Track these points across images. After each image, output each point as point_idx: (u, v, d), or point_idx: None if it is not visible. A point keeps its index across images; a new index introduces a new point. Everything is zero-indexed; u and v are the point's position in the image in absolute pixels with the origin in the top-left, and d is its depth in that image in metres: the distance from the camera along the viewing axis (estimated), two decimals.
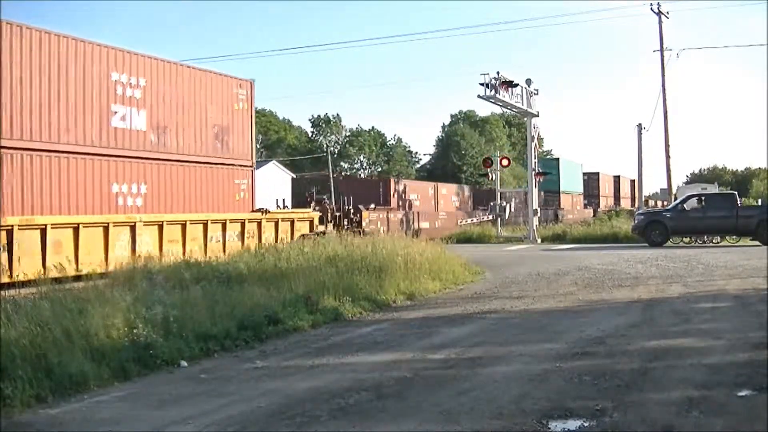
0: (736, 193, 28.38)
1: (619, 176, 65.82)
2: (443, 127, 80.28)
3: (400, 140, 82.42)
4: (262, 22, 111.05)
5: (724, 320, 9.78)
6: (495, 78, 27.42)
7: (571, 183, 55.10)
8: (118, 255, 13.83)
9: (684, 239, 26.10)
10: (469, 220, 38.34)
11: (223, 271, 12.05)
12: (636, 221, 27.82)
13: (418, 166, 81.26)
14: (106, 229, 13.84)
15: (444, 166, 71.35)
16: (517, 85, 29.44)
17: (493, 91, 27.35)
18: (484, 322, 10.25)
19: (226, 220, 16.82)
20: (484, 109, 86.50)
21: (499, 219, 36.06)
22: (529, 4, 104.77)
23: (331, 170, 46.95)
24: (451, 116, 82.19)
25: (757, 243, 24.36)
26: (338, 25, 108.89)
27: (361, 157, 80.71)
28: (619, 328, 9.25)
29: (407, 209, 34.44)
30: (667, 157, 35.66)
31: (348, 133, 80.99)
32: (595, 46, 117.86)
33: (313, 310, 10.49)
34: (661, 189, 39.83)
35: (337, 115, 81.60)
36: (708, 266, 16.98)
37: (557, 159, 55.48)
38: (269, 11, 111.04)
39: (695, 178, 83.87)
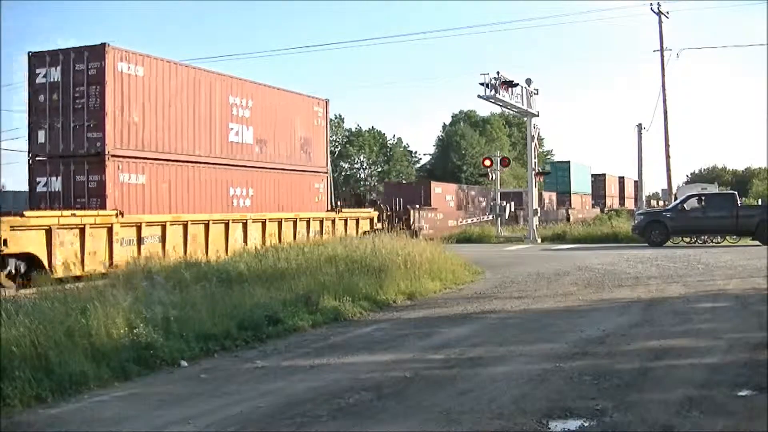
0: (736, 193, 28.37)
1: (623, 177, 66.44)
2: (443, 126, 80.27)
3: (399, 140, 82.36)
4: (263, 22, 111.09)
5: (724, 320, 9.78)
6: (495, 78, 27.42)
7: (581, 184, 56.88)
8: (235, 245, 17.31)
9: (684, 239, 26.10)
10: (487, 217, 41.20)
11: (223, 271, 12.06)
12: (636, 221, 27.83)
13: (418, 166, 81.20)
14: (226, 225, 17.66)
15: (444, 166, 71.32)
16: (517, 85, 29.45)
17: (493, 91, 27.34)
18: (485, 322, 10.25)
19: (309, 218, 21.03)
20: (484, 109, 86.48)
21: (499, 219, 36.08)
22: (529, 4, 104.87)
23: (330, 170, 47.41)
24: (452, 116, 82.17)
25: (757, 243, 24.36)
26: (338, 26, 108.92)
27: (362, 157, 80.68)
28: (620, 328, 9.25)
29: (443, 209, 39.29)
30: (667, 157, 35.65)
31: (347, 133, 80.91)
32: (595, 46, 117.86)
33: (313, 310, 10.49)
34: (662, 189, 39.86)
35: (339, 115, 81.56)
36: (708, 266, 16.99)
37: (568, 162, 57.24)
38: (269, 11, 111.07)
39: (695, 178, 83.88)
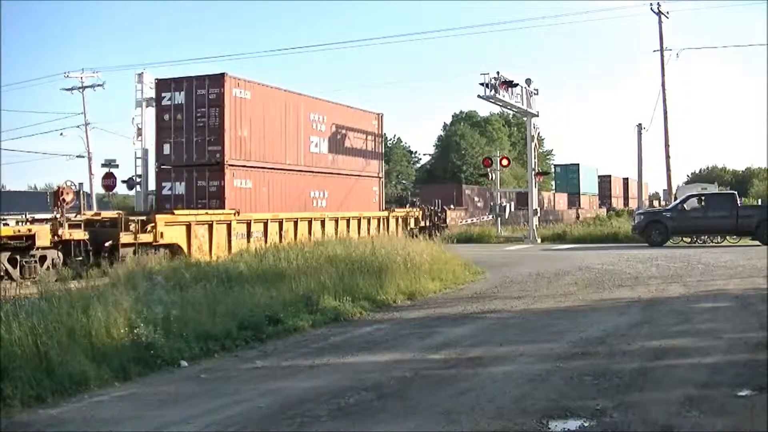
0: (736, 193, 28.37)
1: (627, 178, 67.80)
2: (444, 127, 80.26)
3: (399, 140, 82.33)
4: (263, 22, 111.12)
5: (724, 320, 9.78)
6: (495, 78, 27.42)
7: (589, 185, 58.86)
8: (316, 238, 20.23)
9: (684, 239, 26.10)
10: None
11: (223, 271, 12.05)
12: (636, 221, 27.82)
13: (418, 166, 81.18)
14: (309, 222, 21.80)
15: (444, 166, 71.32)
16: (517, 85, 29.45)
17: (493, 91, 27.34)
18: (485, 322, 10.25)
19: (370, 216, 25.58)
20: (484, 109, 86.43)
21: (499, 219, 36.09)
22: (529, 4, 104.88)
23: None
24: (453, 116, 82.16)
25: (757, 243, 24.35)
26: (338, 26, 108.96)
27: None
28: (620, 328, 9.25)
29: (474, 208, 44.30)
30: (667, 157, 35.61)
31: None
32: (595, 46, 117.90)
33: (314, 310, 10.49)
34: (663, 189, 39.89)
35: None
36: (708, 266, 16.99)
37: (577, 164, 59.88)
38: (269, 11, 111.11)
39: (695, 178, 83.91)
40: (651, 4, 34.94)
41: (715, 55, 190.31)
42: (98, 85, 41.69)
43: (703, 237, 26.00)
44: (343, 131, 25.17)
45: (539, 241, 31.26)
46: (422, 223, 28.29)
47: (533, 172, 32.45)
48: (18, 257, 14.67)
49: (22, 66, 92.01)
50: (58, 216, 15.61)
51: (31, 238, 14.82)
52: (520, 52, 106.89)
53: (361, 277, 12.32)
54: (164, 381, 7.16)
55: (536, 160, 33.56)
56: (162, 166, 20.07)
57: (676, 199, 31.64)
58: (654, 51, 35.65)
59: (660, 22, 35.16)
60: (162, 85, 19.97)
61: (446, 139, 75.73)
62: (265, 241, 19.12)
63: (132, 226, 16.08)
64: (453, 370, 7.25)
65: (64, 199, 15.79)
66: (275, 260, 13.26)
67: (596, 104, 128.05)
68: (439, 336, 9.26)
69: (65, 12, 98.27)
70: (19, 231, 14.80)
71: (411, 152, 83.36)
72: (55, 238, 15.24)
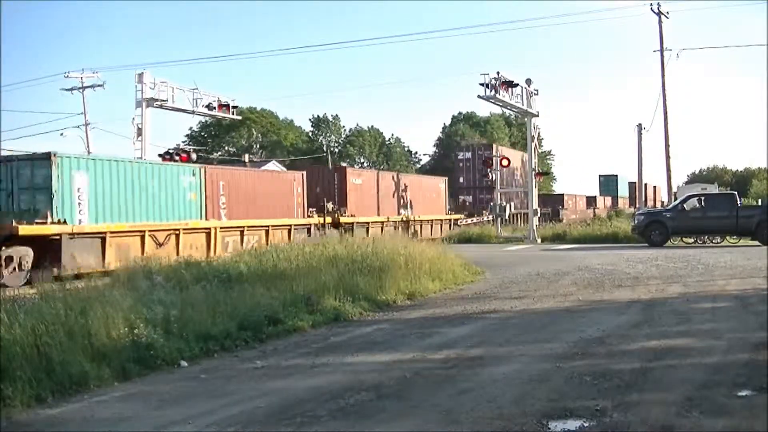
0: (736, 193, 28.34)
1: (646, 183, 72.51)
2: (444, 127, 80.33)
3: (398, 140, 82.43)
4: (262, 22, 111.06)
5: (724, 320, 9.78)
6: (495, 78, 27.42)
7: (623, 190, 72.44)
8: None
9: (684, 239, 26.09)
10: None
11: (223, 271, 12.04)
12: (636, 221, 27.80)
13: (418, 166, 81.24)
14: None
15: (444, 166, 71.43)
16: (517, 85, 29.45)
17: (493, 91, 27.35)
18: (485, 322, 10.25)
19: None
20: (484, 110, 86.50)
21: (499, 219, 36.09)
22: (529, 4, 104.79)
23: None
24: (452, 117, 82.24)
25: (757, 243, 24.34)
26: (338, 26, 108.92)
27: (362, 158, 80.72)
28: (620, 328, 9.25)
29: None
30: (667, 157, 35.61)
31: (347, 133, 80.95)
32: (595, 46, 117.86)
33: (314, 310, 10.49)
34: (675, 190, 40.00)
35: (336, 115, 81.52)
36: (708, 266, 16.98)
37: (616, 175, 71.71)
38: (269, 11, 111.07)
39: (695, 178, 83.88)
40: (651, 4, 34.98)
41: (715, 55, 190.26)
42: (98, 85, 41.63)
43: (703, 237, 26.00)
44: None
45: (539, 241, 31.25)
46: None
47: (533, 172, 32.44)
48: None
49: (22, 66, 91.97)
50: None
51: None
52: (520, 52, 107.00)
53: (361, 278, 12.32)
54: (164, 381, 7.15)
55: (536, 160, 33.56)
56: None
57: (676, 199, 31.65)
58: (654, 51, 35.72)
59: (660, 22, 35.18)
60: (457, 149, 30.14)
61: (446, 139, 75.81)
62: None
63: None
64: (453, 370, 7.24)
65: None
66: (276, 260, 13.25)
67: (596, 104, 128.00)
68: (439, 336, 9.25)
69: (65, 12, 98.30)
70: None
71: (411, 153, 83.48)
72: None
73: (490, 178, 38.38)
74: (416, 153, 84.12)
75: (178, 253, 18.14)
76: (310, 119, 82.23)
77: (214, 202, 21.47)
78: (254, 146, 75.27)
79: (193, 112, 30.60)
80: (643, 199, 44.75)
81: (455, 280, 14.96)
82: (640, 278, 14.96)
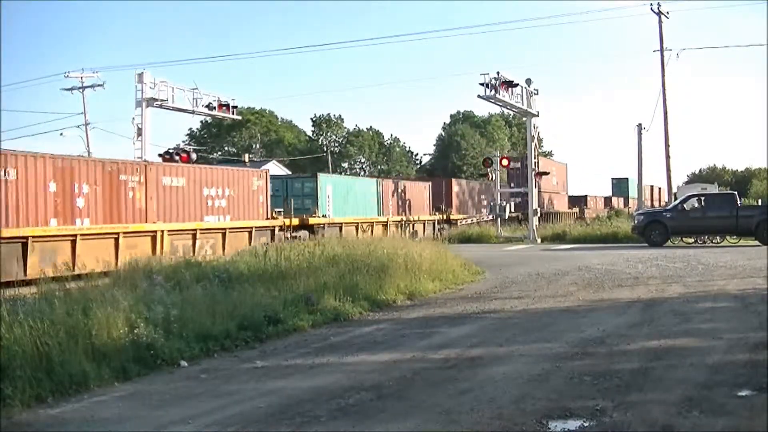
0: (736, 193, 28.34)
1: (652, 185, 74.70)
2: (443, 127, 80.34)
3: (397, 140, 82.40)
4: (262, 22, 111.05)
5: (724, 320, 9.78)
6: (495, 78, 27.39)
7: (634, 192, 71.77)
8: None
9: (684, 239, 26.10)
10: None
11: (223, 271, 12.04)
12: (636, 221, 27.79)
13: (418, 166, 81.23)
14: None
15: (444, 166, 71.43)
16: (517, 85, 29.43)
17: (493, 91, 27.32)
18: (484, 322, 10.25)
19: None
20: (482, 110, 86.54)
21: (499, 219, 36.09)
22: (529, 4, 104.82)
23: (331, 170, 47.69)
24: (451, 116, 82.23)
25: (757, 243, 24.34)
26: (338, 26, 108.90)
27: (362, 158, 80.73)
28: (619, 328, 9.25)
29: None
30: (667, 157, 35.58)
31: (347, 133, 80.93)
32: (595, 46, 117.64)
33: (314, 310, 10.49)
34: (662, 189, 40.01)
35: (340, 116, 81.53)
36: (708, 266, 16.98)
37: (627, 178, 71.27)
38: (269, 11, 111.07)
39: (695, 178, 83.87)
40: (651, 4, 34.95)
41: (715, 55, 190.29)
42: (98, 85, 41.64)
43: (703, 237, 25.99)
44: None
45: (539, 241, 31.23)
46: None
47: (533, 172, 32.43)
48: None
49: (22, 66, 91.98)
50: None
51: None
52: (520, 52, 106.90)
53: (361, 277, 12.32)
54: (164, 381, 7.16)
55: (536, 160, 33.56)
56: None
57: (675, 199, 31.65)
58: (654, 51, 35.68)
59: (660, 22, 35.16)
60: None
61: (446, 139, 75.81)
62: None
63: None
64: (453, 370, 7.25)
65: None
66: (276, 260, 13.25)
67: (596, 104, 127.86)
68: (439, 336, 9.26)
69: (65, 12, 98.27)
70: None
71: (411, 153, 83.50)
72: None
73: (490, 178, 38.35)
74: (416, 154, 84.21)
75: None
76: (311, 119, 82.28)
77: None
78: (254, 146, 75.30)
79: (193, 112, 30.58)
80: (643, 199, 44.69)
81: (455, 279, 14.96)
82: (640, 278, 14.96)
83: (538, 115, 32.14)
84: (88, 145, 42.00)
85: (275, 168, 56.22)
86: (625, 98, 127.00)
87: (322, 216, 25.65)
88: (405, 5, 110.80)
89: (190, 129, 73.30)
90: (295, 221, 23.90)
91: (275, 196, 24.57)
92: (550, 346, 8.18)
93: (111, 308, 7.83)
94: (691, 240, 26.04)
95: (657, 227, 25.86)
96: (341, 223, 26.42)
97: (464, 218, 38.71)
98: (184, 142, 52.90)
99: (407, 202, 34.16)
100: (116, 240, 17.15)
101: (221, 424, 5.62)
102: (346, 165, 78.74)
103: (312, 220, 24.34)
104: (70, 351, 6.92)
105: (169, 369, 7.57)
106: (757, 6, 79.20)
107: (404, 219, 32.48)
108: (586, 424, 5.32)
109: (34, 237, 15.26)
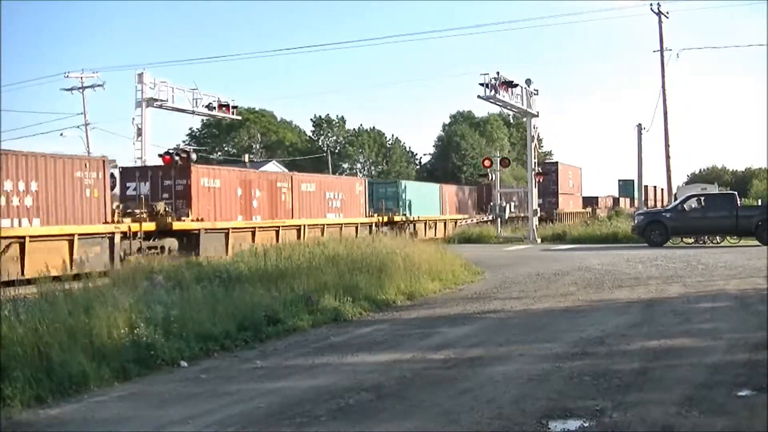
0: (736, 193, 28.33)
1: (654, 186, 74.28)
2: (443, 127, 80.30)
3: (398, 140, 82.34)
4: (262, 22, 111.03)
5: (724, 320, 9.78)
6: (495, 78, 27.41)
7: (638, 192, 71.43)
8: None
9: (684, 239, 26.09)
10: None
11: (223, 271, 12.04)
12: (636, 221, 27.79)
13: (418, 167, 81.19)
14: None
15: (444, 166, 71.41)
16: (516, 85, 29.44)
17: (493, 92, 27.34)
18: (484, 322, 10.25)
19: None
20: (481, 110, 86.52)
21: (499, 219, 36.10)
22: (529, 4, 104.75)
23: (331, 170, 47.61)
24: (450, 117, 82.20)
25: (757, 243, 24.34)
26: (338, 26, 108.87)
27: (361, 158, 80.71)
28: (619, 328, 9.25)
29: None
30: (667, 157, 35.58)
31: (347, 134, 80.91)
32: (595, 46, 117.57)
33: (314, 310, 10.49)
34: (662, 189, 40.01)
35: (342, 117, 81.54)
36: (708, 266, 16.98)
37: (632, 180, 72.37)
38: (269, 11, 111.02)
39: (695, 178, 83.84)
40: (651, 4, 34.96)
41: (715, 55, 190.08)
42: (98, 85, 41.65)
43: (703, 237, 25.99)
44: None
45: (539, 241, 31.23)
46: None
47: (533, 172, 32.43)
48: None
49: (22, 66, 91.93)
50: None
51: None
52: (520, 52, 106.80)
53: (361, 277, 12.33)
54: (164, 381, 7.16)
55: (536, 160, 33.56)
56: None
57: (675, 199, 31.64)
58: (654, 51, 35.68)
59: (660, 22, 35.16)
60: None
61: (447, 139, 75.77)
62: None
63: None
64: (453, 370, 7.25)
65: None
66: (276, 260, 13.25)
67: (596, 104, 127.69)
68: (439, 336, 9.26)
69: (65, 12, 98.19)
70: None
71: (411, 153, 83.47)
72: None
73: (490, 178, 38.36)
74: (417, 154, 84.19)
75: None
76: (311, 119, 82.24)
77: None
78: (254, 146, 75.28)
79: (193, 112, 30.61)
80: (644, 199, 44.66)
81: (455, 280, 14.96)
82: (640, 278, 14.96)
83: (538, 116, 32.15)
84: (88, 146, 42.00)
85: (275, 168, 56.26)
86: (625, 98, 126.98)
87: (403, 215, 32.83)
88: (405, 5, 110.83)
89: (190, 129, 73.31)
90: (384, 218, 31.02)
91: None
92: (550, 346, 8.18)
93: (112, 308, 7.83)
94: (691, 240, 26.04)
95: (657, 227, 25.85)
96: (415, 221, 33.13)
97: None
98: (184, 142, 52.83)
99: (459, 203, 42.89)
100: (277, 232, 23.96)
101: (221, 424, 5.62)
102: (346, 165, 78.67)
103: (396, 218, 31.63)
104: (70, 351, 6.92)
105: (169, 369, 7.57)
106: (757, 6, 79.29)
107: (457, 217, 40.28)
108: (586, 424, 5.32)
109: (232, 228, 22.12)
